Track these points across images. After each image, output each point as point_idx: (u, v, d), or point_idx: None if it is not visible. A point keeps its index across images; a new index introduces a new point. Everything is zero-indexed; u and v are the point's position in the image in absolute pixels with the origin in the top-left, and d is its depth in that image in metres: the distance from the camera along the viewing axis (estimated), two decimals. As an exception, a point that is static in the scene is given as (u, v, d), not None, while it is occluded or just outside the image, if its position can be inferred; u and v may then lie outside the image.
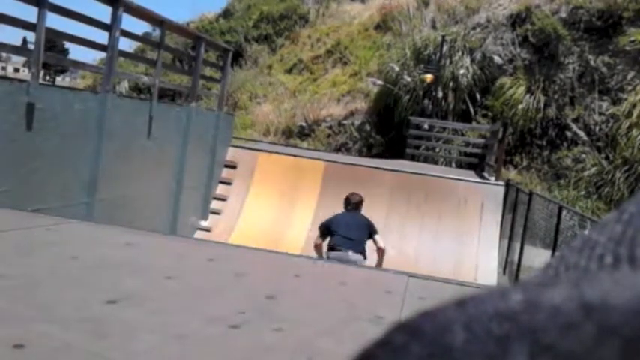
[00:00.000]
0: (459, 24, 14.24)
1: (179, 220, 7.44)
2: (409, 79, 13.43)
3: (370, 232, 5.69)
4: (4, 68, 41.29)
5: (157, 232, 4.74)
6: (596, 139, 12.24)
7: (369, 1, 18.37)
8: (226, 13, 21.05)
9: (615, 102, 12.34)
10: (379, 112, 13.96)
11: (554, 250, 5.57)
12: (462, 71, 13.12)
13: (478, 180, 9.09)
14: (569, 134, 12.47)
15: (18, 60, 42.22)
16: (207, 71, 10.86)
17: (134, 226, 4.79)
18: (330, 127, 14.33)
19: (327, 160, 8.82)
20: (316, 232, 5.83)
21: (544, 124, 12.68)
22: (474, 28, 13.94)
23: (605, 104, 12.45)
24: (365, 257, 5.37)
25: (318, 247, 5.54)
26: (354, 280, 3.26)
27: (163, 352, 1.95)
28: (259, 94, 16.25)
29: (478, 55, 13.37)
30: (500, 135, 9.83)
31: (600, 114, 12.38)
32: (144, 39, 12.09)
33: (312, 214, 8.10)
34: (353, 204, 5.98)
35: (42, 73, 5.77)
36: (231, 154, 8.80)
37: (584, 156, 12.06)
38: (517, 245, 6.99)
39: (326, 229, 5.54)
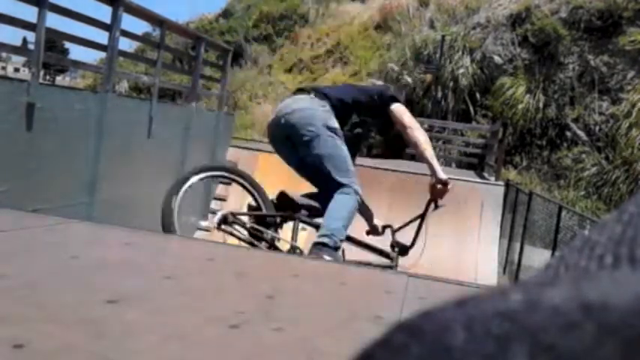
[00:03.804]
0: (459, 24, 14.24)
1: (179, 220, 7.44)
2: (409, 79, 13.42)
3: None
4: (4, 68, 41.29)
5: (156, 232, 4.74)
6: (596, 139, 12.23)
7: (369, 1, 18.37)
8: (226, 13, 21.05)
9: (615, 102, 12.33)
10: (379, 112, 13.94)
11: (554, 250, 5.57)
12: (461, 71, 13.11)
13: (478, 180, 9.09)
14: (569, 134, 12.47)
15: (18, 60, 42.22)
16: (207, 71, 10.85)
17: (134, 226, 4.79)
18: (330, 127, 14.33)
19: (327, 160, 8.80)
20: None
21: (544, 124, 12.68)
22: (473, 28, 13.94)
23: (605, 104, 12.45)
24: None
25: None
26: (354, 280, 3.26)
27: (163, 352, 1.95)
28: (259, 94, 16.25)
29: (478, 55, 13.37)
30: (500, 135, 9.83)
31: (600, 114, 12.38)
32: (144, 39, 12.08)
33: (312, 214, 8.10)
34: None
35: (42, 72, 5.78)
36: (231, 154, 8.79)
37: (584, 156, 12.06)
38: (517, 245, 7.00)
39: None
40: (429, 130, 12.41)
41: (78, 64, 6.76)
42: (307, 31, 18.66)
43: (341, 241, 3.71)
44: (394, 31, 15.73)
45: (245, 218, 4.26)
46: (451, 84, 13.16)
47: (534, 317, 0.15)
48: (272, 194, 9.02)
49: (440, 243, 7.82)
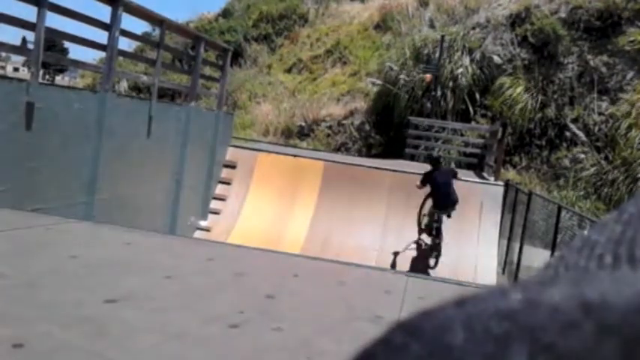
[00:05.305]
0: (459, 24, 14.24)
1: (179, 220, 7.44)
2: (408, 78, 13.43)
3: (454, 176, 7.76)
4: (3, 68, 41.27)
5: (156, 232, 4.74)
6: (595, 139, 12.24)
7: (368, 0, 18.36)
8: (226, 13, 21.05)
9: (614, 102, 12.34)
10: (378, 112, 13.96)
11: (553, 250, 5.57)
12: (460, 71, 13.11)
13: (477, 180, 9.09)
14: (568, 134, 12.47)
15: (17, 59, 42.18)
16: (207, 71, 10.85)
17: (134, 225, 4.79)
18: (330, 127, 14.33)
19: (327, 160, 8.82)
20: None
21: (543, 124, 12.68)
22: (473, 28, 13.94)
23: (604, 104, 12.45)
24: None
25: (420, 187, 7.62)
26: (353, 280, 3.26)
27: (163, 351, 1.95)
28: (259, 93, 16.24)
29: (477, 55, 13.37)
30: (499, 135, 9.83)
31: (599, 114, 12.39)
32: (143, 38, 12.08)
33: (312, 214, 8.10)
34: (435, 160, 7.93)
35: (41, 72, 5.77)
36: (231, 153, 8.79)
37: (583, 156, 12.06)
38: (516, 245, 7.00)
39: (427, 181, 7.57)
40: (428, 129, 12.42)
41: (77, 64, 6.76)
42: (307, 31, 18.65)
43: None
44: (394, 30, 15.73)
45: None
46: (450, 84, 13.16)
47: (534, 316, 0.15)
48: (271, 192, 9.03)
49: (439, 243, 7.83)
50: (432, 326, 0.16)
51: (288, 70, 17.29)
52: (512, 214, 7.69)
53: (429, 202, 7.66)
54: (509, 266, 7.32)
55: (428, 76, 12.93)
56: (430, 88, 13.08)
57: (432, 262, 7.60)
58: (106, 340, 1.96)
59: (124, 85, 16.21)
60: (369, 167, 8.66)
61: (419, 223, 7.90)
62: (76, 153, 5.38)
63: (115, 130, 5.79)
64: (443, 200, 7.35)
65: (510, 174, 11.88)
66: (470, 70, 13.18)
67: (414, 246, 7.97)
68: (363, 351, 0.17)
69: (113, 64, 5.84)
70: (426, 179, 7.58)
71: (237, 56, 16.92)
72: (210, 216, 8.32)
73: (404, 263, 7.59)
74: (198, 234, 7.76)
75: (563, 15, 13.23)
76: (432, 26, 14.76)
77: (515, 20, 13.65)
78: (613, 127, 12.01)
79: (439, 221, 7.42)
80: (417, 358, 0.15)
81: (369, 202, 8.21)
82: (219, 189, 8.55)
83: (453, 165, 12.13)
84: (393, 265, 7.50)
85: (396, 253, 7.77)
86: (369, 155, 12.74)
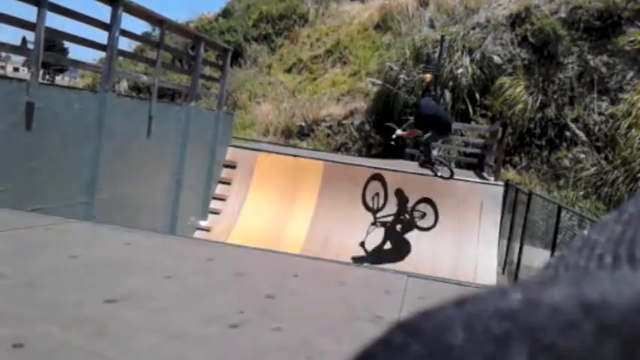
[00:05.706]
0: (459, 24, 14.23)
1: (179, 220, 7.44)
2: (408, 78, 13.43)
3: (436, 100, 8.70)
4: (3, 68, 41.27)
5: (156, 232, 4.74)
6: (595, 139, 12.23)
7: (368, 0, 18.36)
8: (226, 13, 21.04)
9: (614, 102, 12.33)
10: (378, 112, 13.95)
11: (553, 250, 5.57)
12: (460, 71, 13.11)
13: (477, 180, 9.09)
14: (568, 134, 12.47)
15: (17, 59, 42.18)
16: (207, 71, 10.85)
17: (134, 225, 4.79)
18: (330, 127, 14.32)
19: (327, 160, 8.81)
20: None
21: (543, 124, 12.67)
22: (473, 28, 13.94)
23: (604, 104, 12.45)
24: None
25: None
26: (353, 280, 3.26)
27: (163, 351, 1.95)
28: (259, 93, 16.24)
29: (477, 55, 13.36)
30: (499, 135, 9.83)
31: (599, 114, 12.38)
32: (143, 38, 12.08)
33: (312, 214, 8.10)
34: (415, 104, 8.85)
35: (41, 72, 5.77)
36: (231, 153, 8.79)
37: (583, 156, 12.06)
38: (516, 245, 6.99)
39: (425, 124, 7.84)
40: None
41: (77, 64, 6.76)
42: (307, 31, 18.65)
43: None
44: (394, 30, 15.73)
45: None
46: (450, 84, 13.16)
47: (534, 316, 0.15)
48: (271, 192, 9.04)
49: (439, 242, 7.83)
50: (432, 326, 0.16)
51: (288, 70, 17.29)
52: (512, 214, 7.69)
53: (372, 186, 8.19)
54: (509, 266, 7.32)
55: (428, 76, 12.92)
56: (430, 88, 13.06)
57: (446, 172, 8.09)
58: (106, 340, 1.96)
59: (124, 85, 16.21)
60: (369, 167, 8.66)
61: (368, 208, 8.19)
62: (76, 153, 5.38)
63: (115, 130, 5.79)
64: (446, 126, 7.81)
65: (510, 174, 11.87)
66: (470, 70, 13.18)
67: (372, 227, 8.01)
68: (363, 351, 0.17)
69: (113, 64, 5.84)
70: (423, 122, 7.71)
71: (237, 56, 16.91)
72: (210, 216, 8.32)
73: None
74: (198, 234, 7.76)
75: (563, 15, 13.23)
76: (432, 26, 14.76)
77: (515, 20, 13.64)
78: (613, 127, 12.01)
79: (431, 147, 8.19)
80: (417, 358, 0.15)
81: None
82: (219, 189, 8.55)
83: (452, 165, 12.14)
84: (371, 255, 7.59)
85: (362, 243, 7.83)
86: (369, 155, 12.74)
